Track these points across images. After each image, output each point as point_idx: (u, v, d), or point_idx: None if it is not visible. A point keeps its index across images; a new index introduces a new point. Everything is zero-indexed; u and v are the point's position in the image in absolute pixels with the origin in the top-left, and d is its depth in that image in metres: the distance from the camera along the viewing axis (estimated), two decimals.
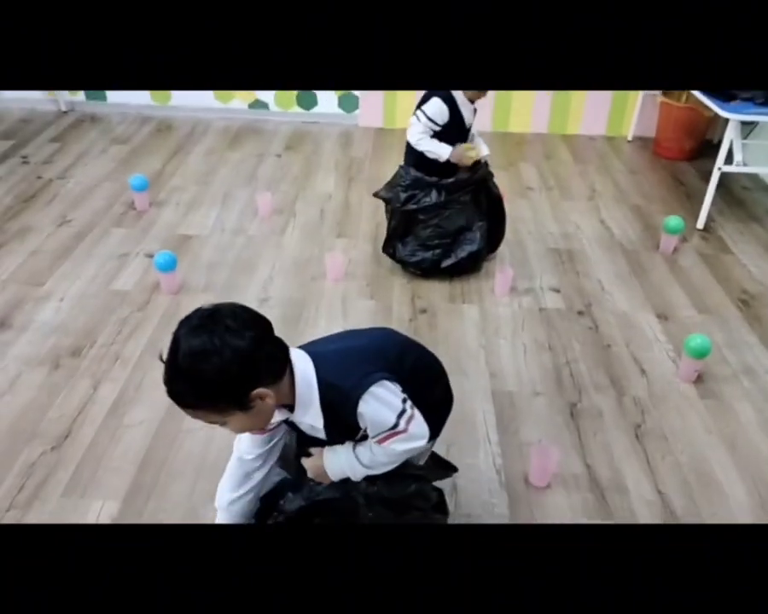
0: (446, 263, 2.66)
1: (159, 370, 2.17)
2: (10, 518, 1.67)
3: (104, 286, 2.57)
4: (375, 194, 2.72)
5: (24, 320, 2.37)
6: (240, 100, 4.27)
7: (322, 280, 2.70)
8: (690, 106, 3.83)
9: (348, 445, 1.33)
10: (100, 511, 1.69)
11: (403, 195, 2.58)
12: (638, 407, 2.11)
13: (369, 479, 1.37)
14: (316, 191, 3.45)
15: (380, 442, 1.28)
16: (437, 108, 2.46)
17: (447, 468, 1.63)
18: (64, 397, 2.04)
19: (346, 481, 1.36)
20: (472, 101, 2.53)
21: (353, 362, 1.26)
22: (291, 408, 1.25)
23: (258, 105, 4.28)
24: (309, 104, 4.27)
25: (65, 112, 4.25)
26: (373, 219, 3.17)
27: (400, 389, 1.28)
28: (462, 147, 2.53)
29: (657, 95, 4.01)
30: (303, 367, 1.23)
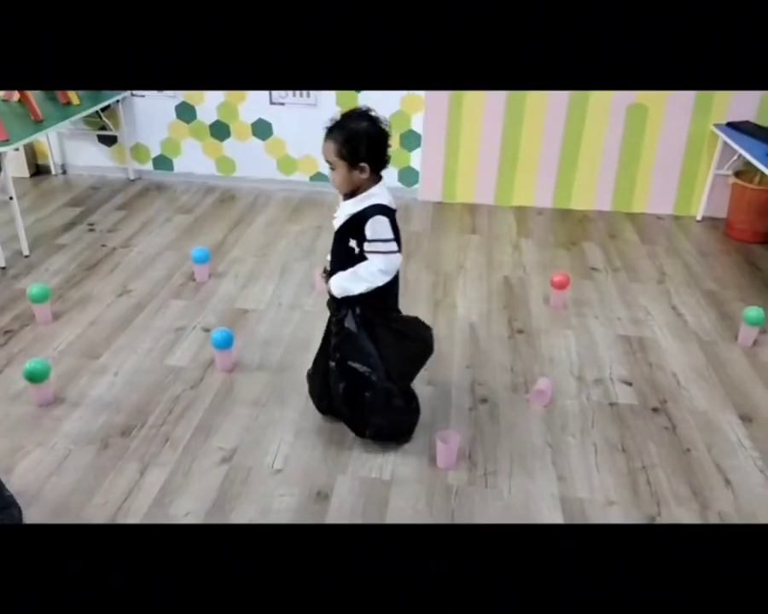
0: None
1: (208, 456, 2.11)
2: None
3: (159, 361, 2.54)
4: None
5: (77, 394, 2.34)
6: (301, 172, 4.32)
7: None
8: (764, 188, 3.67)
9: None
10: None
11: None
12: (725, 523, 1.90)
13: None
14: None
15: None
16: None
17: None
18: (111, 481, 1.98)
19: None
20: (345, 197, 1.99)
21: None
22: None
23: (318, 177, 4.31)
24: None
25: (132, 181, 4.38)
26: (432, 296, 3.08)
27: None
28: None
29: (729, 175, 3.86)
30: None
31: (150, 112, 4.25)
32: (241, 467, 2.04)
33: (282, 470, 2.05)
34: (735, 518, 1.92)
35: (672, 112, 3.88)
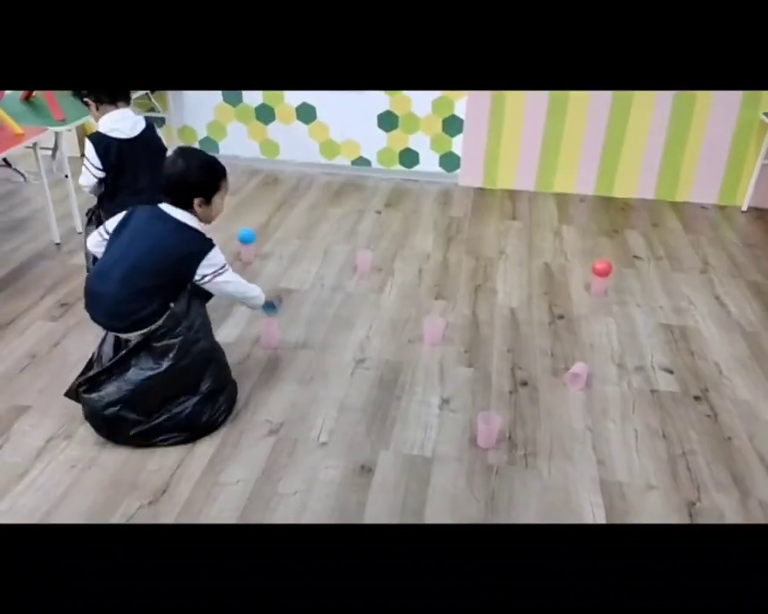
0: None
1: (256, 428, 2.17)
2: None
3: None
4: None
5: None
6: (343, 157, 4.37)
7: (419, 343, 2.65)
8: None
9: None
10: None
11: None
12: (766, 513, 1.91)
13: None
14: (414, 250, 3.43)
15: None
16: None
17: None
18: (164, 448, 2.07)
19: None
20: None
21: None
22: None
23: (360, 161, 4.35)
24: (410, 162, 4.31)
25: None
26: (472, 281, 3.11)
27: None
28: None
29: None
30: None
31: (198, 94, 4.33)
32: (288, 440, 2.11)
33: (327, 443, 2.11)
34: None
35: (720, 100, 3.81)
